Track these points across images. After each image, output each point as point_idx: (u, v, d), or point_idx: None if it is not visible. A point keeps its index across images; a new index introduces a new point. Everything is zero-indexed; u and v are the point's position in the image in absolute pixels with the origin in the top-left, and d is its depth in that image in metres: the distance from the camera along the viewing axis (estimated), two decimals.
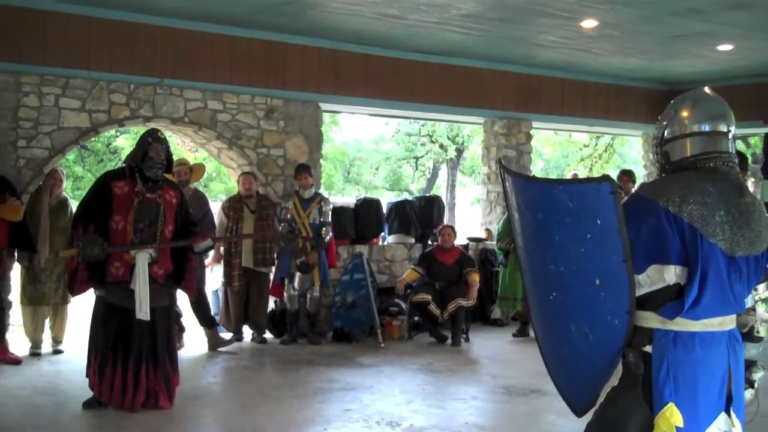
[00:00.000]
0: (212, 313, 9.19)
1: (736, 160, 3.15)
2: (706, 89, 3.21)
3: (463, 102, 11.35)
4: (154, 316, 6.17)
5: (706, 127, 3.09)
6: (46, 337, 8.44)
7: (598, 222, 2.88)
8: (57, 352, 8.38)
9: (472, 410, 6.49)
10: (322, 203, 9.26)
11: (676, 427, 2.90)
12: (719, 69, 11.61)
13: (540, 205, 3.08)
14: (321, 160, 10.64)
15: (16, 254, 8.03)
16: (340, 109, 11.92)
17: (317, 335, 9.35)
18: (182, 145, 21.23)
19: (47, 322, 8.40)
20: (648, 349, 3.00)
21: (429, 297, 9.39)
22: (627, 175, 10.84)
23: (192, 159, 11.09)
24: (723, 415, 2.99)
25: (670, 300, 2.96)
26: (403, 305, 9.86)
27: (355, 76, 10.35)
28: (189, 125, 9.35)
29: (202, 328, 8.88)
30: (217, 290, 9.95)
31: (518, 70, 11.63)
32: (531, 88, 11.91)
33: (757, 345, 3.27)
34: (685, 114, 3.14)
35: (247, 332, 9.40)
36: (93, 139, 20.39)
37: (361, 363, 8.26)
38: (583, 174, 19.49)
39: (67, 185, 9.63)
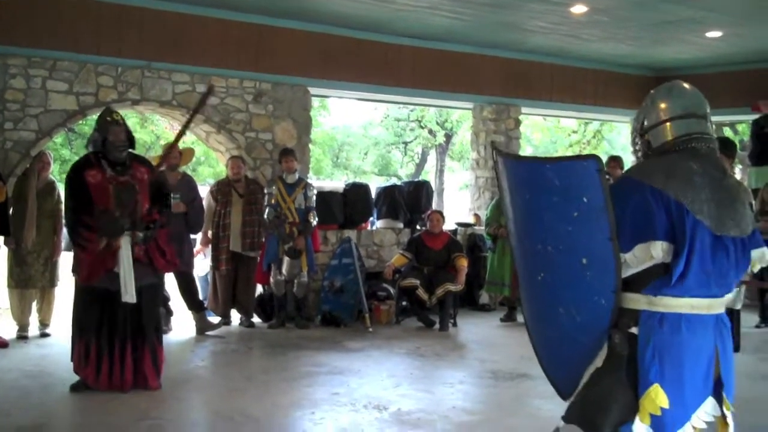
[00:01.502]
0: (200, 297, 9.17)
1: (716, 144, 3.19)
2: (680, 81, 3.33)
3: (452, 87, 11.34)
4: (140, 295, 6.20)
5: (681, 112, 3.17)
6: (33, 320, 8.43)
7: (585, 200, 2.91)
8: (44, 335, 8.36)
9: (459, 394, 6.52)
10: (307, 188, 9.24)
11: (662, 409, 2.91)
12: (708, 56, 11.64)
13: (529, 185, 3.11)
14: (310, 145, 10.61)
15: (1, 238, 8.00)
16: (328, 94, 11.88)
17: (305, 319, 9.36)
18: (171, 129, 21.15)
19: (34, 305, 8.39)
20: (634, 330, 3.01)
21: (417, 282, 9.41)
22: (615, 161, 10.83)
23: (181, 143, 11.03)
24: (710, 400, 3.00)
25: (657, 276, 2.98)
26: (391, 290, 9.87)
27: (344, 61, 10.33)
28: (177, 108, 9.32)
29: (190, 312, 8.88)
30: (206, 275, 9.94)
31: (508, 55, 11.62)
32: (520, 73, 11.90)
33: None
34: (662, 104, 3.22)
35: (235, 316, 9.39)
36: (80, 122, 20.29)
37: (349, 347, 8.27)
38: None
39: (54, 168, 9.55)
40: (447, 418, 5.64)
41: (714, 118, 3.30)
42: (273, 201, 9.13)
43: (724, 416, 3.04)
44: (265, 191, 9.32)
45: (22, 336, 8.24)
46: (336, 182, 19.41)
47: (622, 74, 12.89)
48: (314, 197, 9.32)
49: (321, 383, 6.76)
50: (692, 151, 3.10)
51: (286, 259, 9.04)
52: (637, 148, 3.30)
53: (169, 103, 9.19)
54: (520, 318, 9.81)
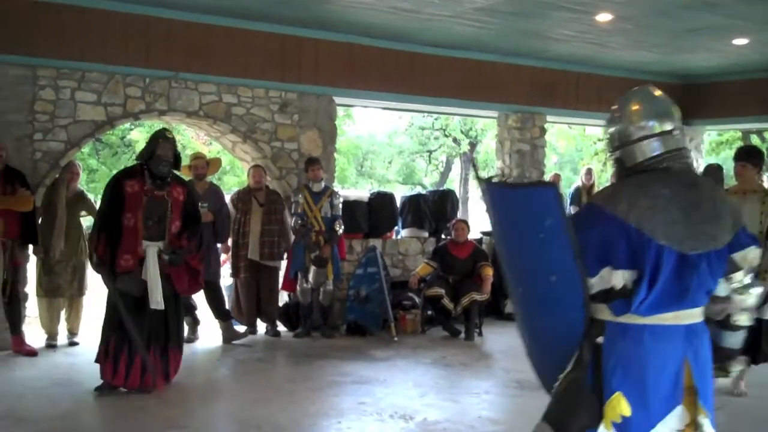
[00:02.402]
0: (227, 306, 9.21)
1: (690, 156, 3.19)
2: (650, 88, 3.26)
3: (477, 96, 11.34)
4: (165, 303, 6.52)
5: (654, 129, 3.11)
6: (62, 329, 8.50)
7: (547, 223, 2.96)
8: (72, 344, 8.43)
9: (485, 404, 6.50)
10: (333, 197, 9.28)
11: (625, 417, 2.95)
12: (734, 63, 11.56)
13: (502, 207, 3.20)
14: (335, 154, 10.65)
15: (30, 247, 8.10)
16: (353, 103, 11.92)
17: (331, 329, 9.38)
18: (196, 138, 21.29)
19: (63, 314, 8.47)
20: (600, 340, 3.07)
21: (443, 291, 9.40)
22: None
23: (206, 152, 11.16)
24: (679, 409, 3.00)
25: (621, 296, 3.02)
26: (417, 299, 9.87)
27: (369, 70, 10.36)
28: (204, 119, 9.39)
29: (216, 321, 8.92)
30: (231, 284, 9.99)
31: (532, 63, 11.60)
32: (545, 81, 11.88)
33: (737, 333, 3.28)
34: (633, 118, 3.16)
35: (261, 325, 9.42)
36: (108, 132, 20.46)
37: (375, 356, 8.28)
38: (596, 168, 19.43)
39: (82, 178, 9.63)
40: (473, 428, 5.63)
41: (740, 126, 3.31)
42: (299, 210, 9.16)
43: (699, 424, 3.04)
44: (292, 200, 9.36)
45: (50, 345, 8.32)
46: (360, 191, 19.44)
47: (648, 82, 12.77)
48: (340, 206, 9.35)
49: (347, 393, 6.77)
50: (664, 171, 3.09)
51: (312, 268, 9.07)
52: (612, 164, 3.29)
53: (196, 113, 9.25)
54: None
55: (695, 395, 3.02)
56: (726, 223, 3.05)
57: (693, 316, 3.05)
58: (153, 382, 6.48)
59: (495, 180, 3.28)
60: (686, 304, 3.02)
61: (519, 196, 3.11)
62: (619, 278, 2.99)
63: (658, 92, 3.23)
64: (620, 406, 2.96)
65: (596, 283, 3.01)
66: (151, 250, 6.50)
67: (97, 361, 6.58)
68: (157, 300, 6.42)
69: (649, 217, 2.95)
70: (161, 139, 6.70)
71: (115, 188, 6.58)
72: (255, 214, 9.17)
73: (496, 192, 3.22)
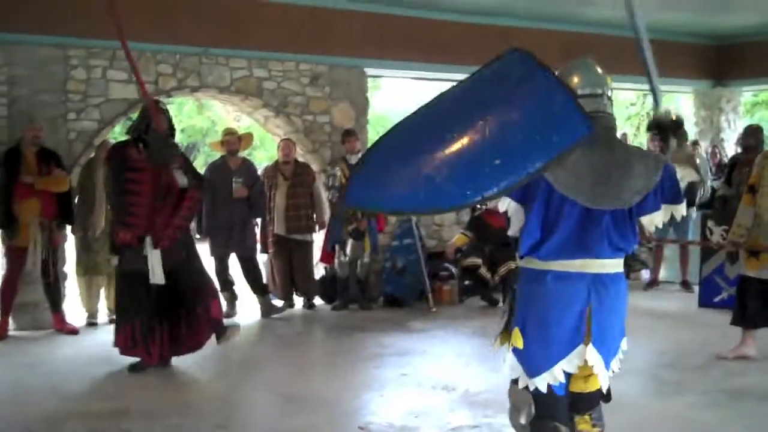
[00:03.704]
0: (264, 281, 9.23)
1: (613, 120, 3.50)
2: (588, 59, 3.63)
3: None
4: (177, 274, 6.44)
5: (587, 91, 3.44)
6: (102, 307, 8.57)
7: (554, 138, 3.09)
8: (112, 321, 8.45)
9: (489, 373, 6.44)
10: None
11: (525, 349, 3.37)
12: None
13: (522, 86, 3.25)
14: (367, 126, 10.58)
15: (68, 227, 8.16)
16: (384, 74, 11.82)
17: (368, 301, 9.37)
18: (226, 114, 21.28)
19: (102, 292, 8.53)
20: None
21: (479, 261, 9.34)
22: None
23: (237, 128, 11.17)
24: (580, 348, 3.32)
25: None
26: (454, 269, 9.83)
27: (399, 40, 10.25)
28: (235, 94, 9.36)
29: (254, 295, 8.94)
30: (267, 259, 10.01)
31: (564, 28, 11.42)
32: (578, 46, 11.65)
33: None
34: (573, 78, 3.49)
35: (299, 299, 9.44)
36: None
37: (414, 328, 8.26)
38: (631, 133, 19.21)
39: None
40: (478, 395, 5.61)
41: None
42: (336, 183, 9.13)
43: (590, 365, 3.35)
44: (329, 172, 9.33)
45: (91, 323, 8.40)
46: None
47: (683, 44, 12.58)
48: None
49: (388, 364, 6.76)
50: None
51: (349, 241, 9.05)
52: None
53: (228, 89, 9.22)
54: None
55: (590, 340, 3.31)
56: (634, 186, 3.28)
57: (601, 266, 3.33)
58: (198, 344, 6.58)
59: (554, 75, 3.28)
60: (590, 254, 3.30)
61: (565, 106, 3.15)
62: (503, 205, 3.36)
63: (592, 62, 3.61)
64: (515, 339, 3.40)
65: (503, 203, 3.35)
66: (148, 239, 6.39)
67: (116, 345, 6.56)
68: (158, 275, 6.32)
69: (555, 169, 3.17)
70: (155, 111, 6.45)
71: (119, 162, 6.43)
72: (280, 189, 9.13)
73: (545, 82, 3.23)
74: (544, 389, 3.35)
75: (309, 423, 5.23)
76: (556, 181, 3.22)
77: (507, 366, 3.49)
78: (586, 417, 3.55)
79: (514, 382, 3.50)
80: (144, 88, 6.60)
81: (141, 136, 6.44)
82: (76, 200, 8.22)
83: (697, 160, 10.22)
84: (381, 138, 3.39)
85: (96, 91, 8.50)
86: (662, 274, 10.71)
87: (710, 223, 9.23)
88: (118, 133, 22.17)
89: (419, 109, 3.38)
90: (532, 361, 3.36)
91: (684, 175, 9.51)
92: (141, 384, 6.16)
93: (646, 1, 10.00)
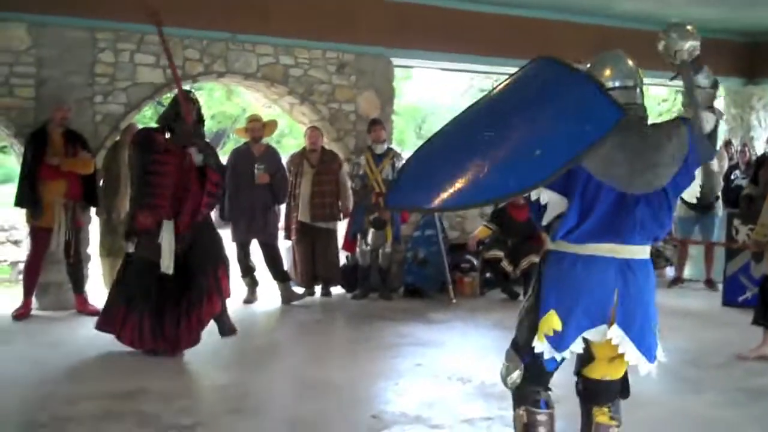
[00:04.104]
0: (285, 268, 9.25)
1: (643, 110, 3.61)
2: (620, 52, 3.73)
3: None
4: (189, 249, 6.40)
5: (617, 83, 3.56)
6: None
7: (587, 127, 3.24)
8: None
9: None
10: (395, 159, 9.21)
11: (557, 331, 3.42)
12: None
13: (557, 84, 3.42)
14: (393, 116, 10.56)
15: (92, 209, 8.22)
16: (411, 64, 11.79)
17: (389, 291, 9.36)
18: (255, 101, 21.34)
19: None
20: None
21: (501, 254, 9.31)
22: None
23: (265, 115, 11.18)
24: (602, 327, 3.42)
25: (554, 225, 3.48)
26: (475, 262, 9.80)
27: (426, 30, 10.19)
28: (261, 81, 9.37)
29: (275, 282, 8.96)
30: (289, 246, 10.02)
31: (594, 21, 11.31)
32: (607, 39, 11.49)
33: None
34: (605, 73, 3.59)
35: (318, 287, 9.45)
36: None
37: (433, 319, 8.25)
38: None
39: None
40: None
41: None
42: (361, 171, 9.13)
43: (621, 354, 3.45)
44: (354, 161, 9.33)
45: None
46: None
47: (714, 40, 12.36)
48: None
49: (405, 354, 6.75)
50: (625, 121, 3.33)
51: (371, 230, 9.05)
52: None
53: (254, 75, 9.24)
54: None
55: (614, 321, 3.40)
56: (666, 170, 3.43)
57: (630, 252, 3.44)
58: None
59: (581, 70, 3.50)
60: (619, 239, 3.40)
61: (595, 97, 3.32)
62: (545, 196, 3.42)
63: (623, 55, 3.71)
64: (552, 321, 3.42)
65: (533, 193, 3.42)
66: (167, 223, 6.38)
67: (100, 319, 6.61)
68: (168, 265, 6.30)
69: (593, 157, 3.31)
70: (184, 100, 6.48)
71: (145, 143, 6.44)
72: (306, 176, 9.13)
73: (574, 78, 3.41)
74: (559, 358, 3.49)
75: (322, 410, 5.24)
76: (594, 169, 3.34)
77: (540, 348, 3.51)
78: (604, 409, 3.59)
79: (513, 345, 3.73)
80: (177, 77, 6.63)
81: (169, 124, 6.50)
82: (101, 183, 8.28)
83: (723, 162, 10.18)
84: (421, 145, 3.57)
85: (123, 75, 8.55)
86: (687, 272, 10.62)
87: (736, 222, 9.14)
88: (145, 117, 22.41)
89: (455, 117, 3.57)
90: (562, 337, 3.44)
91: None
92: (158, 366, 6.19)
93: None
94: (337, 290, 9.46)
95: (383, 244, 9.14)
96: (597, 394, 3.63)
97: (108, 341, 6.92)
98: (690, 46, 3.79)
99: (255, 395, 5.56)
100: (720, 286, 9.47)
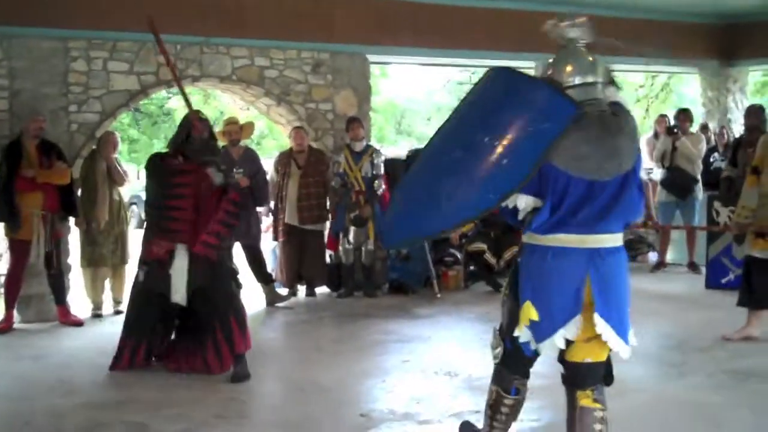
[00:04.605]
0: (268, 270, 9.22)
1: (606, 104, 3.64)
2: (582, 48, 3.76)
3: (513, 47, 11.06)
4: (201, 295, 6.09)
5: (577, 80, 3.63)
6: (107, 298, 8.58)
7: (545, 125, 3.44)
8: (117, 312, 8.48)
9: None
10: (374, 155, 9.20)
11: (533, 321, 3.58)
12: None
13: (504, 90, 3.61)
14: (371, 113, 10.54)
15: (71, 219, 8.17)
16: (388, 60, 11.81)
17: (373, 288, 9.35)
18: (233, 104, 21.27)
19: (107, 284, 8.54)
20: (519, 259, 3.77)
21: (484, 246, 9.33)
22: (684, 113, 10.61)
23: (243, 118, 11.16)
24: (578, 317, 3.54)
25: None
26: (459, 255, 9.81)
27: (402, 26, 10.16)
28: (237, 83, 9.34)
29: (259, 284, 8.94)
30: (274, 248, 10.00)
31: (570, 9, 11.27)
32: None
33: None
34: (567, 69, 3.66)
35: (302, 288, 9.43)
36: (145, 101, 20.48)
37: (418, 314, 8.25)
38: (639, 115, 19.07)
39: (123, 148, 9.71)
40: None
41: None
42: (340, 169, 9.12)
43: (597, 335, 3.55)
44: (333, 159, 9.32)
45: (96, 314, 8.40)
46: (399, 149, 19.33)
47: (690, 23, 12.46)
48: (382, 165, 9.26)
49: (391, 351, 6.76)
50: (583, 117, 3.51)
51: (352, 228, 9.04)
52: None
53: (229, 78, 9.20)
54: None
55: (592, 310, 3.51)
56: (626, 159, 3.57)
57: (600, 241, 3.58)
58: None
59: (527, 75, 3.70)
60: (590, 228, 3.54)
61: (547, 96, 3.52)
62: (522, 202, 3.58)
63: (584, 52, 3.76)
64: (530, 312, 3.58)
65: (510, 201, 3.58)
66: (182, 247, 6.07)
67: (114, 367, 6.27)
68: (181, 293, 6.03)
69: (561, 155, 3.47)
70: (195, 120, 6.16)
71: (160, 166, 6.18)
72: (293, 178, 9.12)
73: (522, 83, 3.61)
74: (542, 353, 3.70)
75: (310, 411, 5.22)
76: (564, 165, 3.49)
77: (523, 337, 3.67)
78: (588, 392, 3.66)
79: (500, 326, 3.92)
80: (182, 87, 6.47)
81: (180, 148, 6.17)
82: (78, 192, 8.23)
83: (702, 145, 10.26)
84: (403, 178, 3.90)
85: (97, 83, 8.50)
86: (669, 256, 10.68)
87: (717, 204, 9.19)
88: (122, 125, 22.29)
89: (429, 140, 3.80)
90: (539, 329, 3.58)
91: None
92: (144, 375, 6.15)
93: None
94: (321, 290, 9.44)
95: (365, 242, 9.14)
96: (579, 377, 3.70)
97: (93, 352, 6.90)
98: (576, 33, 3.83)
99: (242, 399, 5.53)
100: (703, 269, 9.51)
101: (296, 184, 9.07)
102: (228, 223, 6.21)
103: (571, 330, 3.55)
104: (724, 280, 8.92)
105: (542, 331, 3.58)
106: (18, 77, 8.15)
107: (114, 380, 6.08)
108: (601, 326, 3.51)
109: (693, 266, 10.14)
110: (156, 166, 6.24)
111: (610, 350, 3.65)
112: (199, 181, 6.07)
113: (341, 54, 9.86)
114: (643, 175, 4.10)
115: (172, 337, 6.43)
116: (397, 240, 4.12)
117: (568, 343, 3.60)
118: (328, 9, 9.70)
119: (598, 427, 3.60)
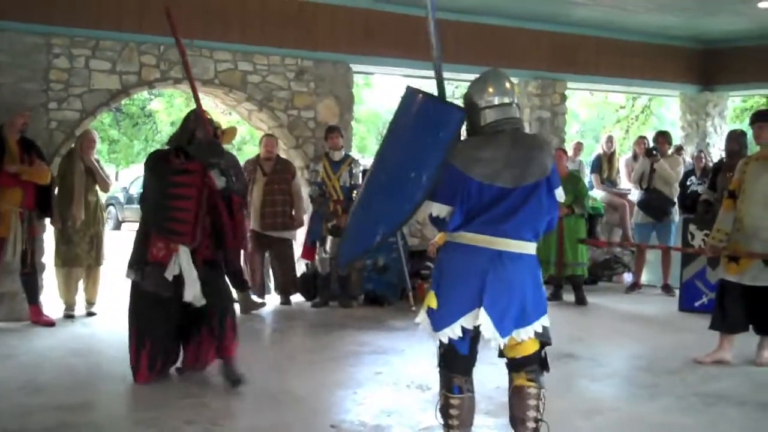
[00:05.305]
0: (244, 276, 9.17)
1: (520, 122, 4.21)
2: (497, 70, 4.24)
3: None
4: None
5: (496, 101, 4.09)
6: (80, 299, 8.51)
7: (441, 134, 4.03)
8: (90, 314, 8.45)
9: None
10: (353, 165, 9.20)
11: (432, 309, 4.02)
12: (759, 27, 11.33)
13: (411, 110, 4.16)
14: (354, 123, 10.54)
15: (47, 218, 8.10)
16: (371, 71, 11.81)
17: (349, 298, 9.34)
18: (215, 108, 21.22)
19: (81, 285, 8.46)
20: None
21: None
22: (663, 136, 10.69)
23: (225, 122, 11.11)
24: (476, 311, 3.91)
25: (444, 222, 4.06)
26: None
27: (386, 37, 10.21)
28: (219, 87, 9.32)
29: (234, 291, 8.87)
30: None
31: (552, 28, 11.41)
32: (565, 47, 11.68)
33: None
34: (488, 90, 4.11)
35: (271, 296, 9.38)
36: (127, 101, 20.38)
37: (393, 326, 8.24)
38: (619, 136, 19.20)
39: (102, 149, 9.59)
40: (491, 399, 5.56)
41: (765, 92, 3.35)
42: (318, 179, 9.11)
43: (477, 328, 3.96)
44: (312, 168, 9.30)
45: (68, 315, 8.33)
46: None
47: (671, 47, 12.59)
48: (360, 175, 9.26)
49: (364, 362, 6.73)
50: (500, 132, 4.05)
51: (329, 237, 9.02)
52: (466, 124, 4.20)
53: (212, 81, 9.18)
54: (566, 297, 9.69)
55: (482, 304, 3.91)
56: (533, 172, 3.98)
57: (504, 244, 3.95)
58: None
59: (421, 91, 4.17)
60: (495, 232, 3.93)
61: (435, 107, 4.10)
62: (435, 209, 4.01)
63: (502, 75, 4.20)
64: (431, 301, 4.02)
65: (425, 208, 4.05)
66: (184, 249, 5.85)
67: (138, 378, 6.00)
68: (195, 294, 5.83)
69: (474, 165, 3.93)
70: (207, 122, 5.98)
71: (162, 165, 5.92)
72: (258, 184, 9.11)
73: (417, 99, 4.14)
74: (445, 341, 4.01)
75: (280, 421, 5.19)
76: (479, 175, 3.92)
77: (420, 324, 4.14)
78: (522, 374, 4.15)
79: None
80: (194, 86, 6.27)
81: (182, 147, 5.96)
82: (55, 191, 8.15)
83: (679, 168, 10.35)
84: (352, 209, 4.52)
85: (78, 81, 8.45)
86: (644, 278, 10.73)
87: (692, 228, 9.24)
88: (103, 124, 22.16)
89: (370, 168, 4.41)
90: (439, 318, 3.99)
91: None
92: (114, 378, 6.10)
93: (634, 3, 10.05)
94: (296, 298, 9.41)
95: None
96: (515, 366, 4.19)
97: (64, 353, 6.84)
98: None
99: (212, 406, 5.48)
100: (677, 292, 9.57)
101: (261, 191, 9.07)
102: (240, 235, 6.20)
103: (468, 321, 3.94)
104: (697, 303, 8.97)
105: (440, 319, 3.99)
106: None
107: (82, 381, 6.02)
108: (483, 318, 3.90)
109: (667, 288, 10.19)
110: (158, 164, 5.99)
111: (541, 345, 4.19)
112: (203, 182, 5.89)
113: (325, 62, 9.87)
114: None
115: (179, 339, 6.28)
116: (350, 258, 4.89)
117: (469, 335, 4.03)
118: (312, 17, 9.72)
119: (532, 402, 4.11)
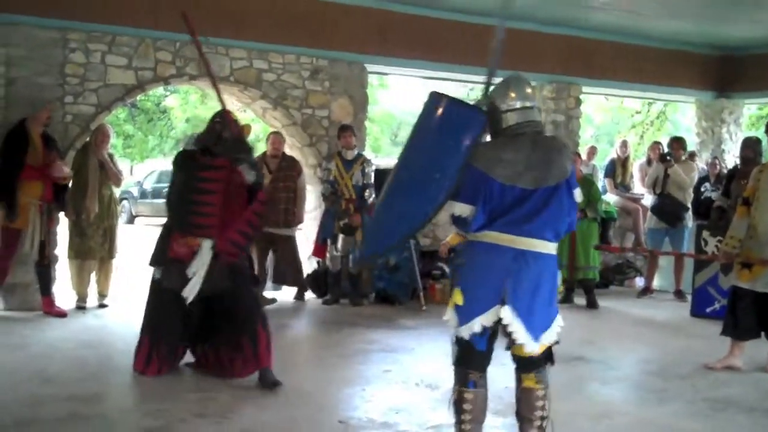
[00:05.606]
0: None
1: (541, 126, 4.31)
2: (519, 74, 4.39)
3: (511, 65, 10.88)
4: (221, 298, 5.95)
5: (518, 104, 4.20)
6: (92, 291, 8.56)
7: (463, 138, 4.10)
8: (102, 306, 8.51)
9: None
10: (365, 165, 9.22)
11: (459, 305, 4.10)
12: None
13: (437, 115, 4.19)
14: (367, 123, 10.55)
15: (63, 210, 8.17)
16: (385, 71, 11.80)
17: (359, 296, 9.35)
18: (230, 106, 21.26)
19: (93, 277, 8.51)
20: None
21: None
22: (677, 142, 10.67)
23: (240, 120, 11.15)
24: (497, 307, 4.01)
25: (465, 222, 4.12)
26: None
27: (400, 37, 10.21)
28: (234, 84, 9.34)
29: None
30: None
31: (568, 32, 11.38)
32: (581, 51, 11.65)
33: None
34: (511, 94, 4.22)
35: (268, 293, 9.37)
36: (142, 97, 20.44)
37: (403, 325, 8.24)
38: (633, 141, 19.14)
39: (117, 143, 9.61)
40: (500, 399, 5.55)
41: None
42: (331, 177, 9.13)
43: (504, 326, 4.05)
44: (324, 166, 9.32)
45: (80, 306, 8.39)
46: (393, 160, 19.38)
47: (687, 53, 12.54)
48: (372, 174, 9.28)
49: (373, 360, 6.74)
50: (521, 135, 4.15)
51: (341, 235, 9.04)
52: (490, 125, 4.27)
53: (227, 79, 9.19)
54: (577, 300, 9.68)
55: (505, 302, 4.00)
56: (554, 174, 4.09)
57: (527, 243, 4.02)
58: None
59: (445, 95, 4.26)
60: (518, 231, 4.00)
61: (458, 111, 4.19)
62: (458, 208, 4.08)
63: (525, 79, 4.37)
64: (457, 297, 4.11)
65: (447, 208, 4.12)
66: (206, 242, 5.86)
67: (136, 368, 6.04)
68: (193, 289, 5.84)
69: (497, 167, 4.03)
70: (233, 122, 6.01)
71: (190, 161, 5.95)
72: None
73: (440, 103, 4.19)
74: (467, 337, 4.10)
75: (289, 416, 5.20)
76: (501, 176, 4.02)
77: (448, 321, 4.22)
78: (531, 375, 4.23)
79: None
80: (217, 86, 6.28)
81: (209, 147, 5.94)
82: (69, 184, 8.20)
83: (693, 174, 10.32)
84: (376, 206, 4.59)
85: (94, 76, 8.50)
86: (656, 283, 10.70)
87: (705, 234, 9.21)
88: (118, 119, 22.23)
89: (395, 165, 4.40)
90: (463, 314, 4.09)
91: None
92: (124, 370, 6.12)
93: (650, 8, 10.02)
94: (307, 295, 9.43)
95: (353, 250, 9.13)
96: (524, 365, 4.24)
97: (75, 344, 6.88)
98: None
99: (221, 400, 5.50)
100: (689, 297, 9.54)
101: (265, 188, 9.05)
102: (255, 225, 6.15)
103: (488, 318, 4.04)
104: (709, 309, 8.94)
105: (464, 315, 4.08)
106: (14, 65, 8.13)
107: (93, 372, 6.05)
108: (508, 318, 4.00)
109: (679, 294, 10.17)
110: (186, 161, 6.03)
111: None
112: (229, 178, 5.93)
113: (340, 62, 9.89)
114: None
115: (197, 341, 6.24)
116: (376, 252, 4.85)
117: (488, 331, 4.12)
118: (329, 16, 9.73)
119: (539, 403, 4.20)
